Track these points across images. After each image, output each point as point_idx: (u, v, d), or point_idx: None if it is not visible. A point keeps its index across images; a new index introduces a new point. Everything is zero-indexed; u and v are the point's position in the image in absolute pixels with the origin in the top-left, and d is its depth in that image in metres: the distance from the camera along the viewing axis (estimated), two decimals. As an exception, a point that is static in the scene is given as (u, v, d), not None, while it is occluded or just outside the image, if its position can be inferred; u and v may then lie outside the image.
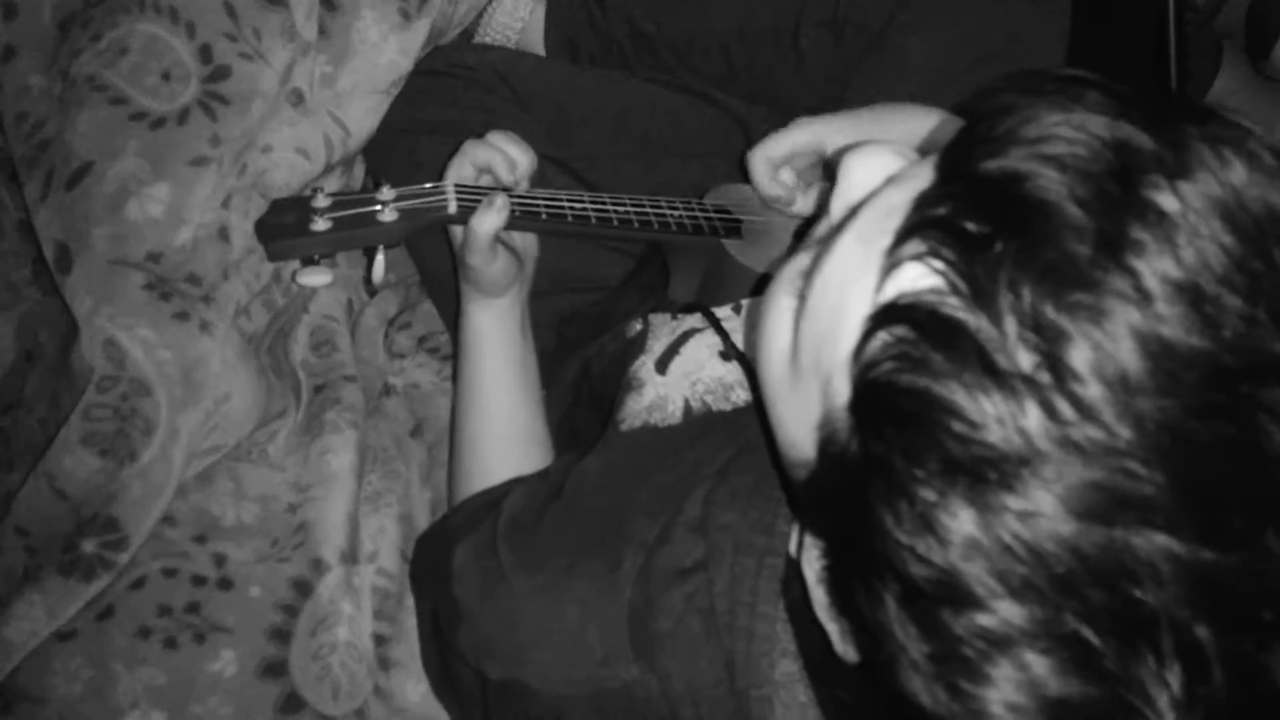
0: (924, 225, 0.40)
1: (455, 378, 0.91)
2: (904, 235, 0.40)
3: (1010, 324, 0.36)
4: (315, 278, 0.78)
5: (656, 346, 0.82)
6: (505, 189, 0.84)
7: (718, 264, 0.89)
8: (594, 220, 0.84)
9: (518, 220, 0.81)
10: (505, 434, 0.87)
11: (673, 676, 0.61)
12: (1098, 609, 0.36)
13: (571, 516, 0.70)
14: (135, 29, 0.83)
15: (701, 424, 0.74)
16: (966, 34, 1.00)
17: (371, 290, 1.06)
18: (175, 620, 0.77)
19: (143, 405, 0.78)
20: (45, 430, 0.83)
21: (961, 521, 0.37)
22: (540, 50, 1.12)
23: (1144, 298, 0.35)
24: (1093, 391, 0.35)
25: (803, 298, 0.46)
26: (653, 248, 0.99)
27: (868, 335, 0.40)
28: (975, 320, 0.37)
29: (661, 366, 0.79)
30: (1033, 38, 1.01)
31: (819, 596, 0.48)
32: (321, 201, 0.78)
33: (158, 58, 0.83)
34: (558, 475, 0.76)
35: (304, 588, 0.81)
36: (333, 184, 0.94)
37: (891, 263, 0.41)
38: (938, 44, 1.00)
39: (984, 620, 0.37)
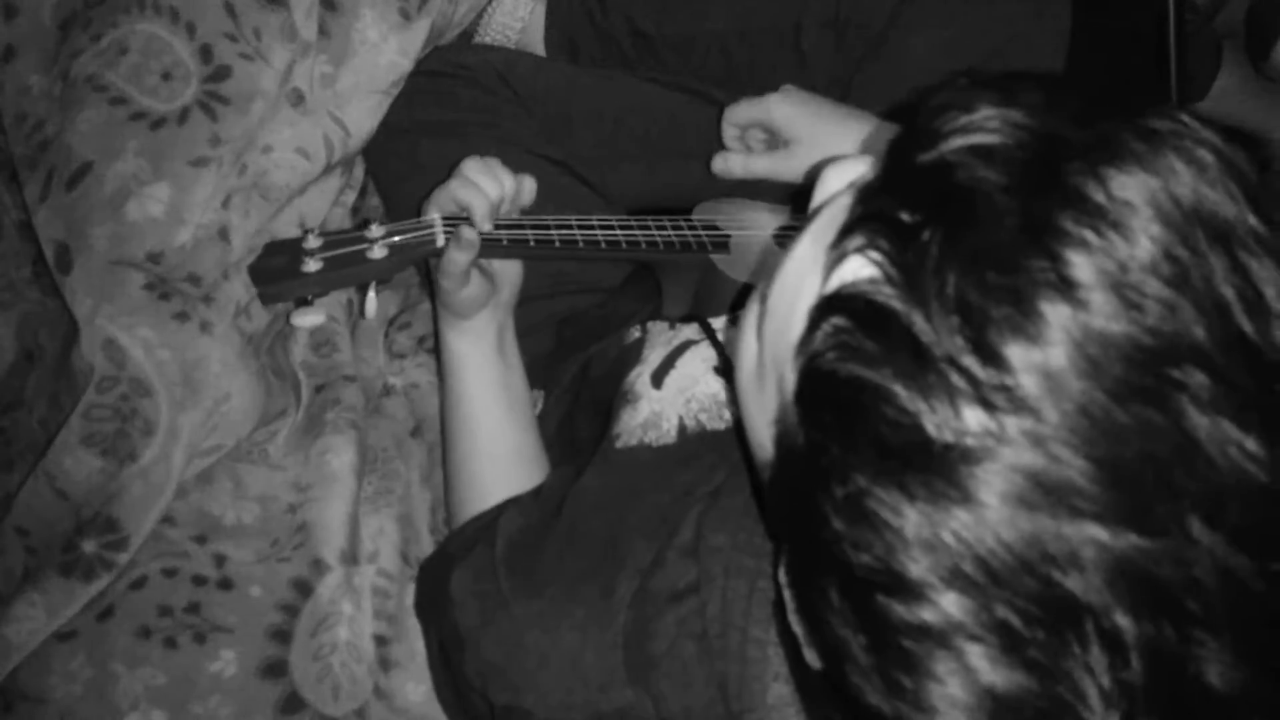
0: (864, 219, 0.41)
1: (440, 404, 0.91)
2: (846, 230, 0.42)
3: (937, 310, 0.37)
4: (309, 318, 0.79)
5: (652, 357, 0.82)
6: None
7: (708, 280, 0.89)
8: (581, 244, 0.84)
9: (506, 249, 0.81)
10: (495, 455, 0.87)
11: (667, 699, 0.61)
12: (1024, 596, 0.36)
13: (569, 540, 0.70)
14: (135, 29, 0.83)
15: (696, 443, 0.74)
16: (967, 34, 1.00)
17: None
18: (175, 620, 0.77)
19: (143, 405, 0.78)
20: (45, 430, 0.83)
21: (894, 508, 0.37)
22: (540, 50, 1.12)
23: (1066, 283, 0.36)
24: (1017, 377, 0.36)
25: (763, 299, 0.48)
26: (645, 265, 0.99)
27: (811, 326, 0.41)
28: (906, 308, 0.38)
29: (657, 380, 0.79)
30: (1032, 38, 1.02)
31: (789, 601, 0.48)
32: (312, 243, 0.78)
33: (158, 58, 0.83)
34: (553, 493, 0.76)
35: (304, 588, 0.81)
36: (332, 183, 0.94)
37: (836, 256, 0.42)
38: (939, 44, 1.00)
39: (918, 609, 0.37)
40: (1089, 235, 0.36)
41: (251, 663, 0.77)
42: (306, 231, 0.80)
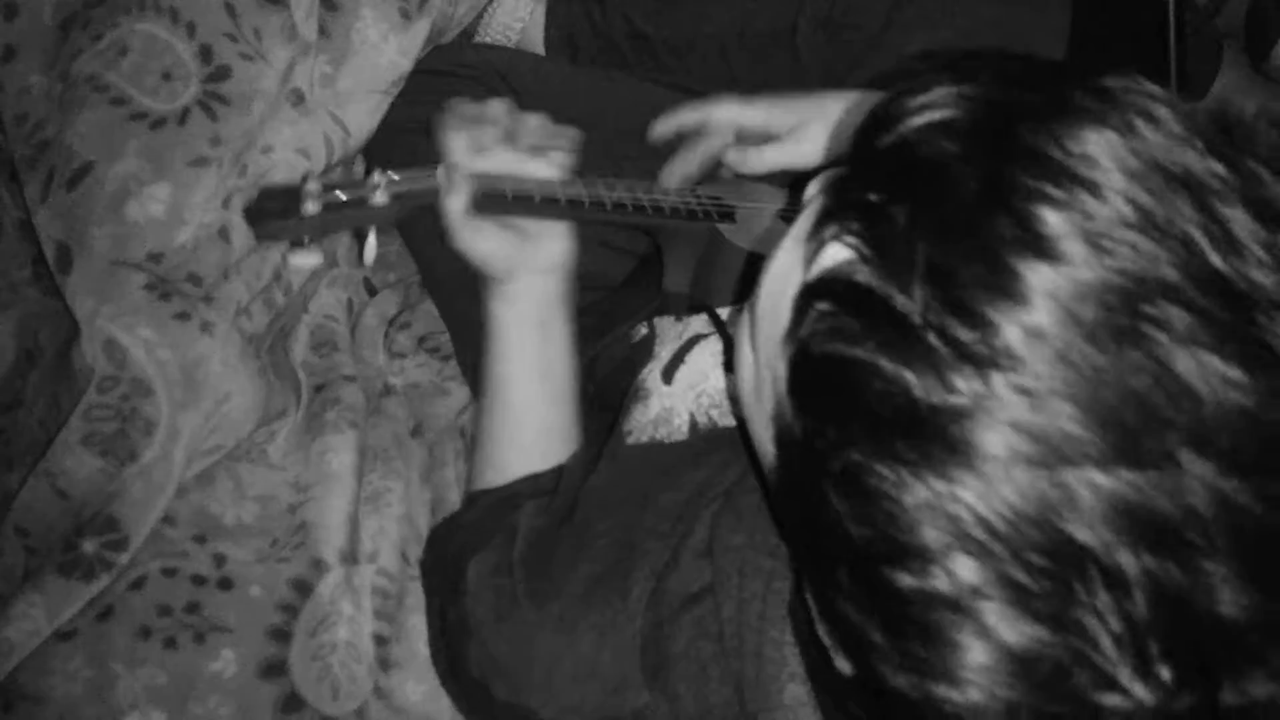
0: (836, 206, 0.42)
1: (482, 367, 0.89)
2: (821, 220, 0.43)
3: (913, 281, 0.38)
4: (305, 259, 0.78)
5: (664, 353, 0.81)
6: None
7: (712, 251, 0.89)
8: (588, 204, 0.83)
9: (511, 204, 0.80)
10: (520, 431, 0.84)
11: (683, 699, 0.61)
12: (1028, 549, 0.36)
13: (583, 542, 0.70)
14: (135, 29, 0.83)
15: (707, 440, 0.74)
16: (965, 34, 1.00)
17: (371, 289, 1.06)
18: (175, 620, 0.77)
19: (143, 405, 0.78)
20: (45, 430, 0.83)
21: (891, 477, 0.38)
22: (540, 50, 1.12)
23: (1034, 237, 0.37)
24: (997, 333, 0.37)
25: (751, 310, 0.49)
26: (648, 237, 0.99)
27: (797, 316, 0.42)
28: (883, 283, 0.39)
29: (667, 376, 0.79)
30: (1033, 37, 1.02)
31: (813, 607, 0.48)
32: (312, 186, 0.77)
33: (158, 58, 0.83)
34: (569, 490, 0.75)
35: (304, 588, 0.81)
36: (333, 184, 0.94)
37: (815, 248, 0.43)
38: (936, 43, 1.00)
39: (927, 576, 0.37)
40: (1051, 190, 0.37)
41: (251, 662, 0.77)
42: (305, 176, 0.78)
